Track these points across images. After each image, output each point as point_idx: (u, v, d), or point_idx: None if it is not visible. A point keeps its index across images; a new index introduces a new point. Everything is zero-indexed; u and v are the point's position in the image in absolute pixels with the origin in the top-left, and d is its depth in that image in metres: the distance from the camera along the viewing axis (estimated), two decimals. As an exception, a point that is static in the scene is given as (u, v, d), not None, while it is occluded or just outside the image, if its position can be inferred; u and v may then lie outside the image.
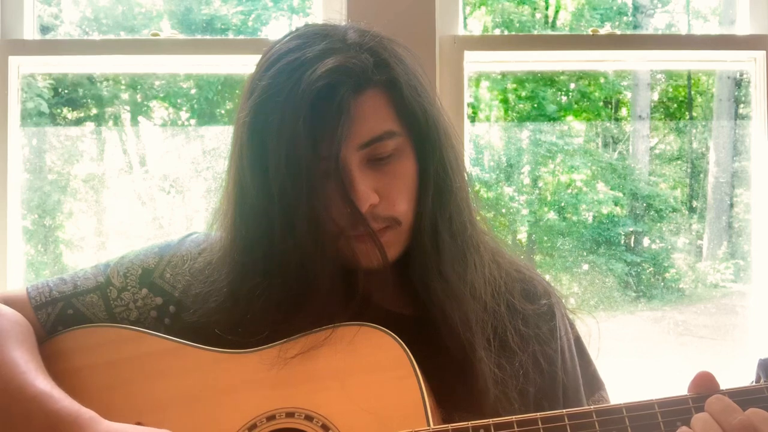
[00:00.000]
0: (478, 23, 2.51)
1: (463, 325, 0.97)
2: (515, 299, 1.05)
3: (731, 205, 2.52)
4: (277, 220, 0.93)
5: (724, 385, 0.83)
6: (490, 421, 0.84)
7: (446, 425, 0.85)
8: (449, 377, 0.96)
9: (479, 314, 0.99)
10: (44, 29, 2.10)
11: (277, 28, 2.38)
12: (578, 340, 1.13)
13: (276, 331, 0.95)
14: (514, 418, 0.83)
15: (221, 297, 0.99)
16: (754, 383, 0.84)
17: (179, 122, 2.44)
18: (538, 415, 0.83)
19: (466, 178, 1.04)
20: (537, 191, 2.62)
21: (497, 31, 2.50)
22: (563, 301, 1.14)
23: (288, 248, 0.93)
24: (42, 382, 0.91)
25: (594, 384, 1.12)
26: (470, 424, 0.84)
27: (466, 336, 0.97)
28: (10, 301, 1.04)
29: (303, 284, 0.94)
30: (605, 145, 2.71)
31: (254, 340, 0.95)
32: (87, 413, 0.88)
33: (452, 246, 0.99)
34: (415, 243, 0.99)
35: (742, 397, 0.79)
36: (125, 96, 2.36)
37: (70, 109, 2.32)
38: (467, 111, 1.90)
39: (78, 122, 2.34)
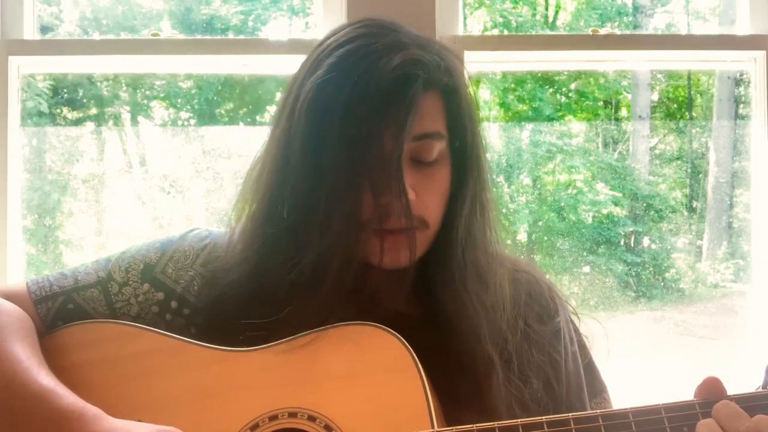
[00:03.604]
0: (477, 23, 2.51)
1: (482, 338, 0.97)
2: (530, 323, 1.06)
3: (731, 205, 2.53)
4: (320, 198, 0.92)
5: (725, 385, 0.82)
6: (495, 424, 0.83)
7: (450, 427, 0.84)
8: (456, 380, 0.96)
9: (497, 331, 1.00)
10: (44, 29, 2.10)
11: (276, 28, 2.38)
12: (581, 343, 1.13)
13: (286, 313, 0.94)
14: (519, 421, 0.83)
15: (243, 269, 0.99)
16: (760, 389, 0.83)
17: (179, 122, 2.44)
18: (544, 418, 0.83)
19: (494, 199, 1.05)
20: (537, 191, 2.62)
21: (496, 31, 2.50)
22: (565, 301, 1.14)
23: (322, 227, 0.93)
24: (45, 378, 0.90)
25: (596, 387, 1.12)
26: (475, 427, 0.83)
27: (485, 350, 0.97)
28: (10, 296, 1.04)
29: (321, 268, 0.94)
30: (605, 145, 2.71)
31: (262, 322, 0.95)
32: (91, 410, 0.88)
33: (479, 261, 1.00)
34: (443, 251, 0.99)
35: (750, 403, 0.79)
36: (125, 96, 2.36)
37: (70, 109, 2.32)
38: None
39: (78, 122, 2.34)
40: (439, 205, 0.98)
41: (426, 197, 0.96)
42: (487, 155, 1.05)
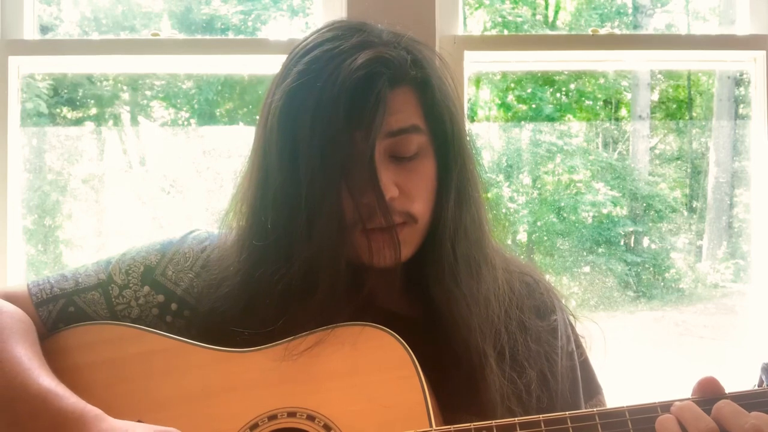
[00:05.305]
0: (477, 23, 2.51)
1: (474, 332, 0.97)
2: (526, 315, 1.06)
3: (731, 205, 2.53)
4: (300, 205, 0.93)
5: (723, 384, 0.83)
6: (493, 422, 0.84)
7: (448, 426, 0.85)
8: (455, 379, 0.96)
9: (490, 324, 1.00)
10: (44, 29, 2.10)
11: (277, 28, 2.38)
12: (578, 343, 1.13)
13: (283, 323, 0.95)
14: (516, 420, 0.83)
15: (234, 282, 0.99)
16: (756, 387, 0.84)
17: (179, 122, 2.44)
18: (541, 417, 0.83)
19: (482, 192, 1.05)
20: (536, 192, 2.62)
21: (496, 31, 2.50)
22: (564, 302, 1.14)
23: (306, 234, 0.93)
24: (46, 380, 0.91)
25: (592, 389, 1.12)
26: (473, 425, 0.84)
27: (478, 343, 0.97)
28: (11, 297, 1.04)
29: (312, 274, 0.94)
30: (605, 145, 2.71)
31: (261, 332, 0.95)
32: (92, 411, 0.88)
33: (470, 253, 1.00)
34: (433, 246, 0.99)
35: (746, 401, 0.79)
36: (125, 96, 2.36)
37: (70, 109, 2.32)
38: (467, 111, 1.89)
39: (78, 122, 2.34)
40: (425, 199, 0.98)
41: (411, 192, 0.96)
42: (473, 143, 1.04)
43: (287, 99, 0.94)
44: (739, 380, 0.94)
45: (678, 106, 2.72)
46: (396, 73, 0.94)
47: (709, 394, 0.81)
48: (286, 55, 1.01)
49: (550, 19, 2.67)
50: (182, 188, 2.32)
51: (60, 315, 1.05)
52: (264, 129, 0.98)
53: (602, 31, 1.99)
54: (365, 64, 0.91)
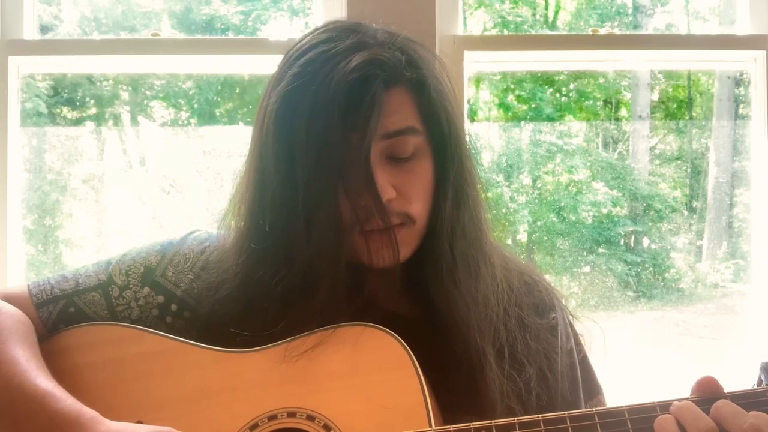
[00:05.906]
0: (477, 23, 2.51)
1: (474, 331, 0.97)
2: (525, 313, 1.06)
3: (731, 205, 2.53)
4: (298, 208, 0.93)
5: (722, 384, 0.83)
6: (492, 422, 0.84)
7: (448, 426, 0.85)
8: (455, 379, 0.96)
9: (489, 323, 1.00)
10: (44, 29, 2.10)
11: (277, 28, 2.38)
12: (577, 342, 1.13)
13: (283, 325, 0.95)
14: (515, 419, 0.83)
15: (233, 285, 0.99)
16: (755, 386, 0.84)
17: (179, 122, 2.44)
18: (540, 417, 0.83)
19: (481, 191, 1.05)
20: (536, 191, 2.62)
21: (496, 31, 2.50)
22: (564, 302, 1.14)
23: (305, 237, 0.93)
24: (43, 381, 0.91)
25: (593, 389, 1.12)
26: (472, 425, 0.84)
27: (477, 342, 0.97)
28: (11, 298, 1.04)
29: (312, 276, 0.94)
30: (605, 145, 2.71)
31: (261, 334, 0.95)
32: (89, 413, 0.88)
33: (468, 252, 1.00)
34: (431, 246, 0.99)
35: (745, 400, 0.79)
36: (125, 96, 2.36)
37: (70, 109, 2.32)
38: (466, 111, 1.89)
39: (78, 122, 2.34)
40: (423, 200, 0.98)
41: (408, 193, 0.96)
42: (470, 143, 1.04)
43: (283, 102, 0.94)
44: (738, 380, 0.94)
45: (678, 106, 2.72)
46: (391, 74, 0.94)
47: (708, 393, 0.81)
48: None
49: (550, 19, 2.67)
50: (182, 188, 2.32)
51: (60, 316, 1.05)
52: (260, 132, 0.98)
53: (602, 31, 1.99)
54: (360, 66, 0.91)
